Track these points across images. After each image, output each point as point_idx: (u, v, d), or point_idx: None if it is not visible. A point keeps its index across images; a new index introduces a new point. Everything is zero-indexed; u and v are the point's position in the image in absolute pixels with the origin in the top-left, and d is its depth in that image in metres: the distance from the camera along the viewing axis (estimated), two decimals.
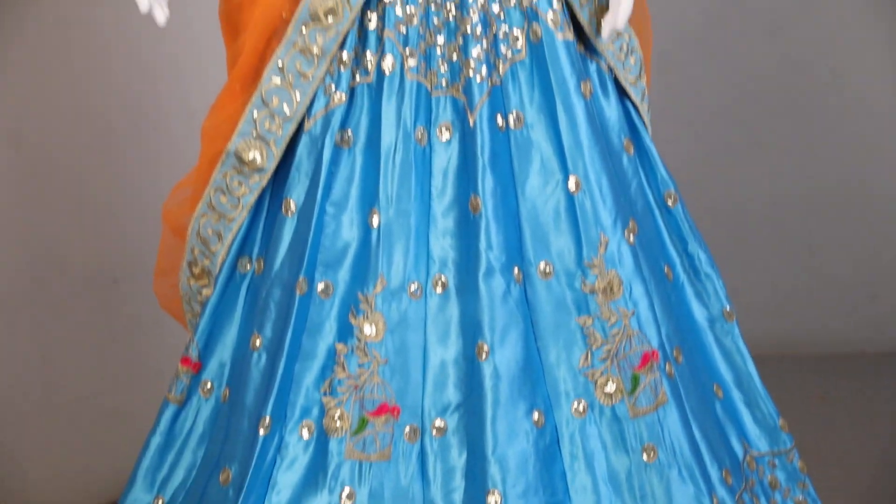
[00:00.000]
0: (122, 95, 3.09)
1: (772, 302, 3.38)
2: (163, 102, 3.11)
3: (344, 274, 1.76)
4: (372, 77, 1.79)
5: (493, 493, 1.67)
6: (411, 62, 1.78)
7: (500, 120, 1.78)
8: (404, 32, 1.79)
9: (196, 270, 1.90)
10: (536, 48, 1.80)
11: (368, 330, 1.73)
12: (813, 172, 3.34)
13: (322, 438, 1.73)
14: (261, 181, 1.84)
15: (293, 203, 1.80)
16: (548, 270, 1.76)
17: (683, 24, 3.28)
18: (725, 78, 3.33)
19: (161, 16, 1.79)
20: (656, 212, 1.91)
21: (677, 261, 1.91)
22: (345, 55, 1.80)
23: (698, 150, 3.34)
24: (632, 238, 1.80)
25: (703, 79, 3.34)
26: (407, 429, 1.73)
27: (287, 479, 1.72)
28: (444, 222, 1.77)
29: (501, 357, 1.71)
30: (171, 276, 1.97)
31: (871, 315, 3.41)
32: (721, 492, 1.79)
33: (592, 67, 1.87)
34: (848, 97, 3.27)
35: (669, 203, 1.93)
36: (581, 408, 1.74)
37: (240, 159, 1.83)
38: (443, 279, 1.75)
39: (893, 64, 3.26)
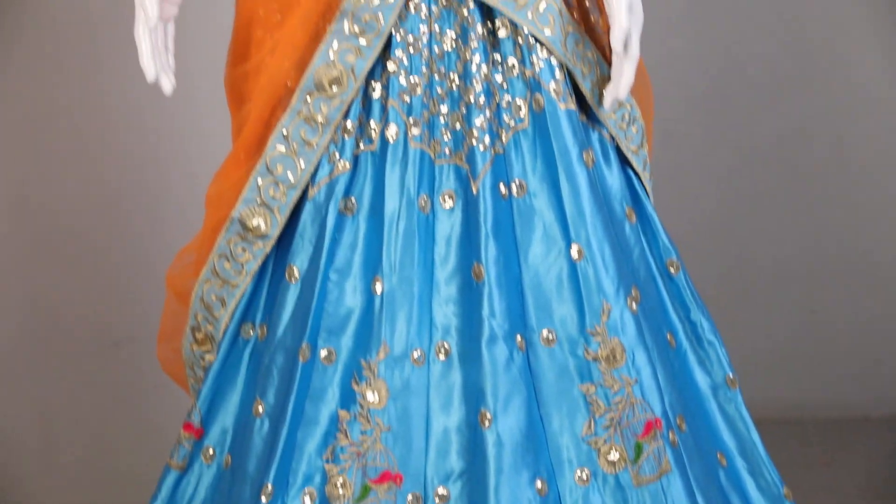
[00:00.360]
0: (126, 161, 3.12)
1: (774, 365, 3.38)
2: (166, 168, 3.14)
3: (347, 340, 1.76)
4: (376, 145, 1.81)
5: None
6: (415, 131, 1.80)
7: (502, 188, 1.79)
8: (408, 101, 1.81)
9: (199, 336, 1.91)
10: (539, 117, 1.81)
11: (371, 397, 1.73)
12: (816, 237, 3.35)
13: None
14: (264, 248, 1.84)
15: (297, 270, 1.81)
16: (550, 338, 1.76)
17: (686, 92, 3.31)
18: (728, 144, 3.35)
19: (168, 85, 1.81)
20: (658, 279, 1.91)
21: (680, 328, 1.91)
22: (349, 124, 1.81)
23: (700, 215, 3.35)
24: (634, 306, 1.80)
25: (705, 146, 3.36)
26: (409, 497, 1.72)
27: None
28: (447, 289, 1.77)
29: (504, 425, 1.71)
30: (174, 340, 1.98)
31: (875, 379, 3.40)
32: None
33: (594, 136, 1.88)
34: (851, 163, 3.29)
35: (672, 271, 1.93)
36: (584, 476, 1.73)
37: (244, 226, 1.84)
38: (446, 346, 1.75)
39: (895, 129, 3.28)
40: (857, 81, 3.24)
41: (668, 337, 1.89)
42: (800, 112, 3.30)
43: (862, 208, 3.34)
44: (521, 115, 1.81)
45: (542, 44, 1.81)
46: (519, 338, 1.75)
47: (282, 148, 1.82)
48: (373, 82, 1.82)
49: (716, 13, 3.28)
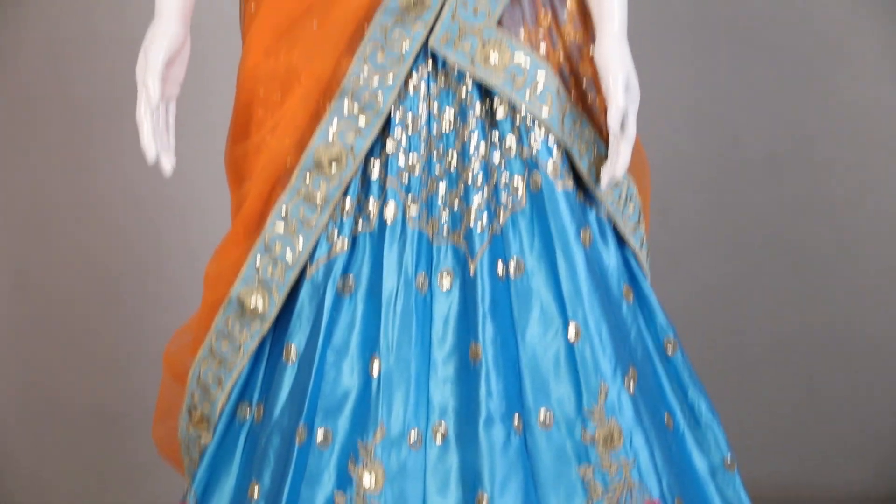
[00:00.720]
0: (123, 239, 3.13)
1: (773, 442, 3.36)
2: (163, 246, 3.15)
3: (344, 422, 1.75)
4: (374, 225, 1.81)
5: None
6: (413, 210, 1.80)
7: (500, 268, 1.79)
8: (406, 181, 1.81)
9: (195, 416, 1.90)
10: (536, 197, 1.82)
11: (367, 480, 1.71)
12: (813, 313, 3.35)
13: None
14: (262, 327, 1.84)
15: (294, 349, 1.80)
16: (548, 419, 1.75)
17: (682, 168, 3.32)
18: (724, 220, 3.36)
19: (168, 165, 1.81)
20: (656, 359, 1.91)
21: (677, 409, 1.90)
22: (348, 203, 1.82)
23: (698, 292, 3.34)
24: (632, 386, 1.80)
25: (702, 221, 3.37)
26: None
27: None
28: (444, 370, 1.77)
29: None
30: (170, 420, 1.96)
31: (875, 456, 3.38)
32: None
33: (592, 215, 1.89)
34: (849, 239, 3.30)
35: (669, 351, 1.93)
36: None
37: (242, 305, 1.83)
38: (443, 428, 1.74)
39: (892, 207, 3.30)
40: (854, 161, 3.26)
41: (666, 418, 1.88)
42: (798, 189, 3.31)
43: (859, 284, 3.34)
44: (519, 195, 1.82)
45: (539, 123, 1.82)
46: (516, 419, 1.74)
47: (281, 226, 1.82)
48: (372, 161, 1.82)
49: (713, 90, 3.31)
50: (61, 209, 3.12)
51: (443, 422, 1.74)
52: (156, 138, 1.78)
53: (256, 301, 1.82)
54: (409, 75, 1.81)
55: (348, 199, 1.81)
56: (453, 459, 1.73)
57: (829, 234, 3.31)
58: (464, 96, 1.82)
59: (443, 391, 1.75)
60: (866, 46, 3.18)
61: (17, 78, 3.11)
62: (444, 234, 1.81)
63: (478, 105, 1.82)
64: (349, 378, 1.76)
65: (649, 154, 2.02)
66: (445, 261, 1.80)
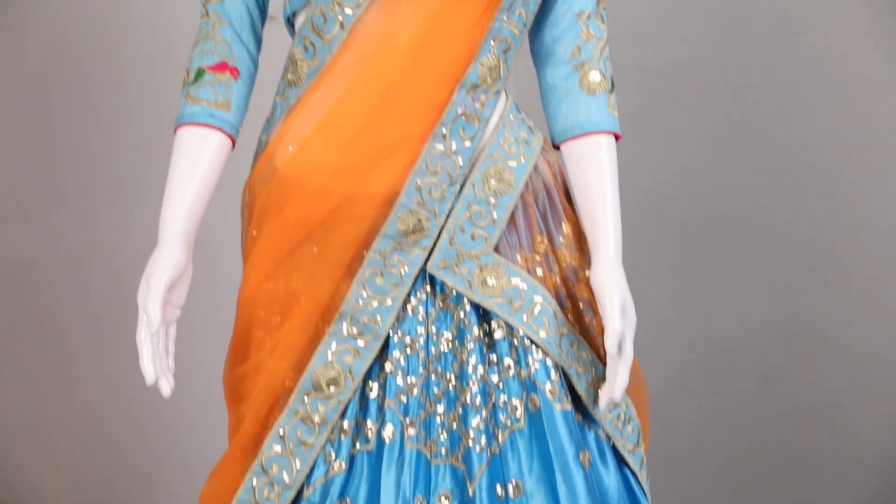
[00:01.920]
0: (117, 452, 3.11)
1: None
2: (161, 462, 3.13)
3: None
4: (372, 445, 1.80)
5: None
6: (411, 431, 1.80)
7: (499, 489, 1.78)
8: (405, 401, 1.81)
9: None
10: (535, 418, 1.81)
11: None
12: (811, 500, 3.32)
13: None
14: None
15: None
16: None
17: (678, 380, 3.34)
18: (722, 430, 3.36)
19: (167, 387, 1.80)
20: None
21: None
22: (346, 424, 1.81)
23: (696, 502, 3.33)
24: None
25: (698, 431, 3.36)
26: None
27: None
28: None
29: None
30: None
31: None
32: None
33: (591, 436, 1.88)
34: (844, 442, 3.29)
35: None
36: None
37: None
38: None
39: (887, 414, 3.29)
40: (846, 362, 3.28)
41: None
42: (794, 399, 3.32)
43: (859, 480, 3.32)
44: (518, 415, 1.81)
45: (537, 345, 1.83)
46: None
47: (278, 448, 1.81)
48: (370, 382, 1.83)
49: (706, 306, 3.36)
50: (52, 419, 3.12)
51: None
52: (155, 362, 1.76)
53: None
54: (408, 298, 1.84)
55: (346, 420, 1.81)
56: None
57: (827, 444, 3.30)
58: (462, 318, 1.84)
59: None
60: (860, 252, 3.23)
61: (16, 289, 3.16)
62: (443, 454, 1.80)
63: (475, 328, 1.83)
64: None
65: (646, 371, 2.03)
66: (444, 482, 1.79)
